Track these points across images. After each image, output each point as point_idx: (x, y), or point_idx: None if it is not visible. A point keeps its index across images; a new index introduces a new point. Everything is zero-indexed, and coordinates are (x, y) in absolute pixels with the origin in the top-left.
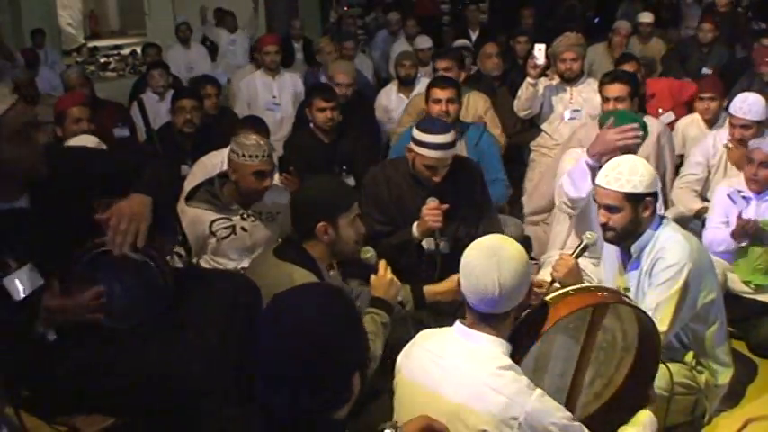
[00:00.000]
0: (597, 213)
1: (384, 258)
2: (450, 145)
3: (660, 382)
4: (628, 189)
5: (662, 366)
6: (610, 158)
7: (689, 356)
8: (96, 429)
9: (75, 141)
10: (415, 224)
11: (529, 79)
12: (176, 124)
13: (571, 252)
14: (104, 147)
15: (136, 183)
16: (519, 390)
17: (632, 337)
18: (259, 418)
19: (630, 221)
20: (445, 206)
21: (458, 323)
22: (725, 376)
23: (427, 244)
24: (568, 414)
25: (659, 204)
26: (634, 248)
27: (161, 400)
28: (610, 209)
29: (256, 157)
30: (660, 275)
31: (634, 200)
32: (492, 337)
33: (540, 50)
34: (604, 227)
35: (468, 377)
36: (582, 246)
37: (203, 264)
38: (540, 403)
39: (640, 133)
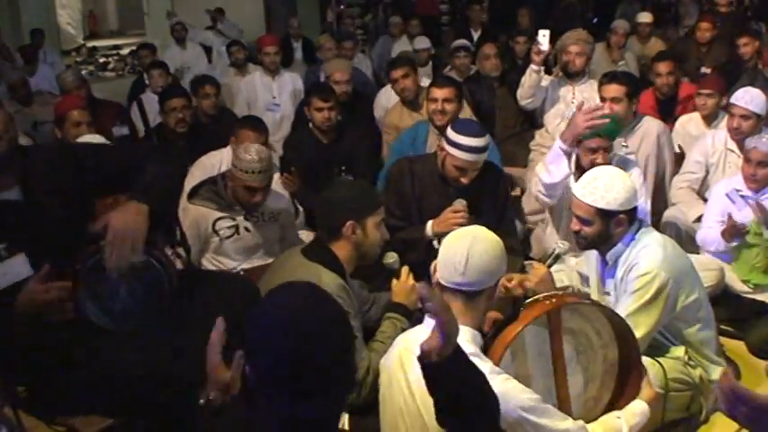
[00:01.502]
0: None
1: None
2: (483, 149)
3: (654, 379)
4: (601, 205)
5: (655, 363)
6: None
7: (680, 351)
8: (95, 430)
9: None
10: (431, 222)
11: (533, 65)
12: (168, 125)
13: (544, 261)
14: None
15: (135, 185)
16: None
17: (608, 333)
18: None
19: (600, 234)
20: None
21: (426, 317)
22: (718, 372)
23: (439, 245)
24: (536, 396)
25: (642, 213)
26: (609, 256)
27: (159, 400)
28: (582, 220)
29: (251, 172)
30: (633, 283)
31: (606, 215)
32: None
33: (544, 36)
34: (576, 234)
35: None
36: (554, 254)
37: (205, 263)
38: (505, 386)
39: (605, 112)
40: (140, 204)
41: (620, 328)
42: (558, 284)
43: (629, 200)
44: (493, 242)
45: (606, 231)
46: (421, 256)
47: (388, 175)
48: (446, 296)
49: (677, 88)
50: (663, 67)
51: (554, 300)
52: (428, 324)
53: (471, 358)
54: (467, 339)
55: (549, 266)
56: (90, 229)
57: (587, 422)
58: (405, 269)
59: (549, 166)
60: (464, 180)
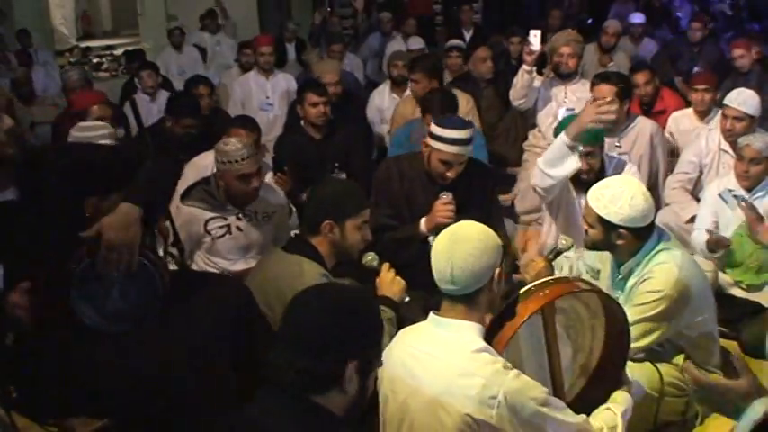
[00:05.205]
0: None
1: (385, 252)
2: (467, 141)
3: (650, 383)
4: (602, 213)
5: (651, 367)
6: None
7: (679, 358)
8: (89, 430)
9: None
10: (424, 219)
11: (525, 66)
12: (172, 132)
13: (546, 255)
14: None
15: (129, 186)
16: (495, 370)
17: (596, 304)
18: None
19: (602, 241)
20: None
21: (431, 314)
22: (716, 378)
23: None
24: (545, 389)
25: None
26: (623, 269)
27: (150, 401)
28: (586, 221)
29: (237, 161)
30: (641, 297)
31: (606, 225)
32: (464, 322)
33: (535, 36)
34: (586, 234)
35: (444, 365)
36: (555, 250)
37: (199, 262)
38: (518, 382)
39: (614, 107)
40: (133, 207)
41: (605, 297)
42: (558, 273)
43: (632, 218)
44: (474, 239)
45: (607, 240)
46: (413, 255)
47: (376, 174)
48: (446, 302)
49: (657, 96)
50: (640, 78)
51: (547, 291)
52: (433, 321)
53: (482, 354)
54: (476, 335)
55: (550, 261)
56: (83, 236)
57: (573, 386)
58: (385, 265)
59: (555, 162)
60: (450, 174)
